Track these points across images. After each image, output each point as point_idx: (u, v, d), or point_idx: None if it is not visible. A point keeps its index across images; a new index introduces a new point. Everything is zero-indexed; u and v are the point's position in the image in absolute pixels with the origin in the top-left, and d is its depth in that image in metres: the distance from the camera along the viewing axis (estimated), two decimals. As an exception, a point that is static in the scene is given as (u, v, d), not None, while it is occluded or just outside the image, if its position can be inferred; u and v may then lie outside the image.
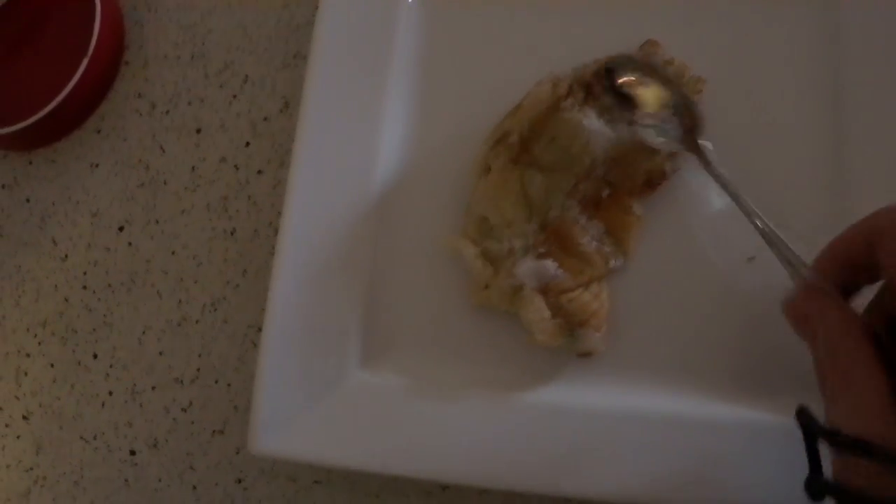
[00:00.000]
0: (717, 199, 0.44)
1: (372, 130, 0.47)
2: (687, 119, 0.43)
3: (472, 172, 0.46)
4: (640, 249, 0.45)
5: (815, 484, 0.32)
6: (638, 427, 0.42)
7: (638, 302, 0.44)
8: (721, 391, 0.43)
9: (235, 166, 0.51)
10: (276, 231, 0.50)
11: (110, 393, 0.51)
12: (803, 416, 0.33)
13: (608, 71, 0.44)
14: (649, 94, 0.44)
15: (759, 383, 0.43)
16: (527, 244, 0.44)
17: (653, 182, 0.44)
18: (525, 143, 0.45)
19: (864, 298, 0.35)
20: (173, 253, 0.51)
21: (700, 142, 0.43)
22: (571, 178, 0.44)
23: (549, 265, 0.43)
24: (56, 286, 0.53)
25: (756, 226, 0.39)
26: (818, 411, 0.33)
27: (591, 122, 0.45)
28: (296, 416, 0.44)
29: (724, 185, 0.40)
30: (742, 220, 0.40)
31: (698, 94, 0.45)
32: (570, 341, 0.43)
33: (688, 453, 0.41)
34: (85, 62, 0.53)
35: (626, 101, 0.44)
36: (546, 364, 0.44)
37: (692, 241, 0.45)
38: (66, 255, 0.53)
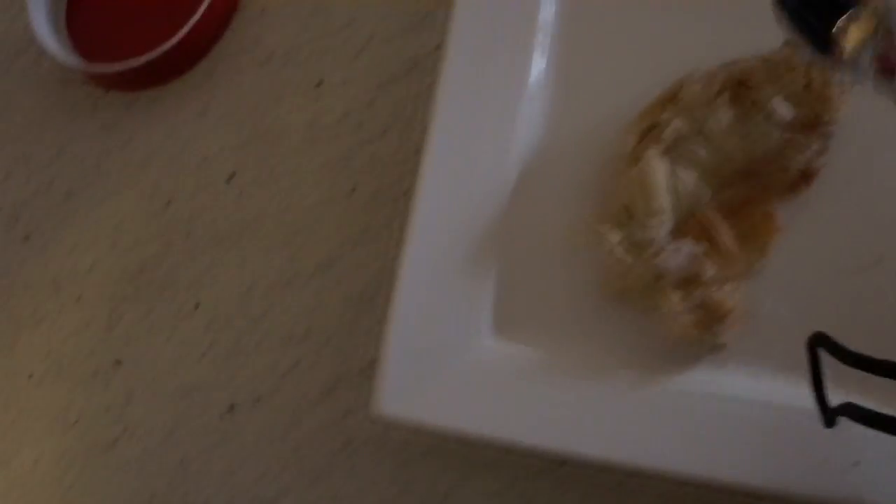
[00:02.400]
0: (851, 201, 0.44)
1: (511, 105, 0.47)
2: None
3: (618, 159, 0.45)
4: (777, 248, 0.44)
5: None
6: (767, 416, 0.42)
7: (770, 300, 0.44)
8: (850, 387, 0.43)
9: (358, 124, 0.50)
10: (398, 193, 0.49)
11: (211, 345, 0.50)
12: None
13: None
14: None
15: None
16: (669, 237, 0.44)
17: (807, 178, 0.44)
18: (677, 137, 0.45)
19: None
20: (287, 207, 0.50)
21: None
22: (719, 177, 0.44)
23: (691, 259, 0.43)
24: (157, 232, 0.52)
25: None
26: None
27: (744, 120, 0.45)
28: (421, 381, 0.44)
29: None
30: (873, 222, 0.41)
31: (843, 101, 0.44)
32: (705, 336, 0.43)
33: (816, 446, 0.41)
34: (203, 5, 0.52)
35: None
36: (676, 350, 0.44)
37: (826, 243, 0.45)
38: (169, 202, 0.52)
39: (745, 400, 0.43)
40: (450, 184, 0.46)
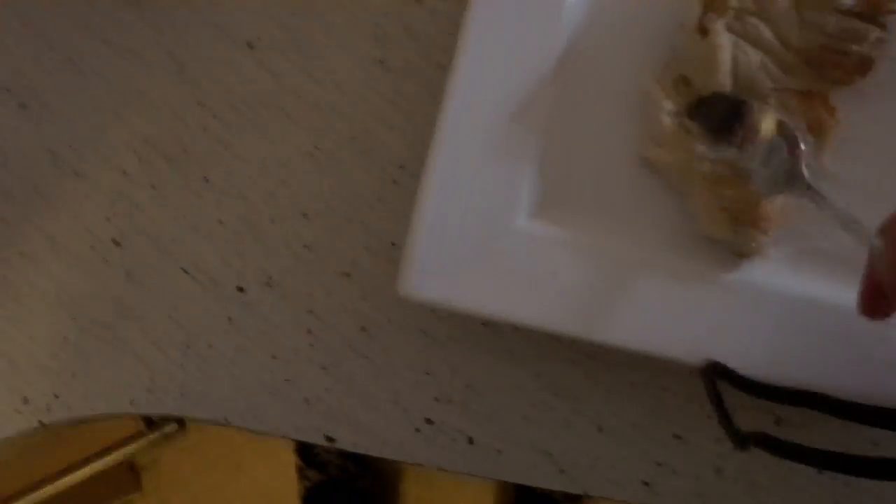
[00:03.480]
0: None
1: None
2: (792, 151, 0.40)
3: (680, 27, 0.43)
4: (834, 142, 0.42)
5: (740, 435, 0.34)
6: (808, 312, 0.40)
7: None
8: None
9: (390, -9, 0.47)
10: (433, 65, 0.46)
11: (220, 221, 0.46)
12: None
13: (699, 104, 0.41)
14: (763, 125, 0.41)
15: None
16: None
17: (863, 68, 0.42)
18: (740, 13, 0.42)
19: None
20: (310, 77, 0.46)
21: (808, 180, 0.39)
22: (781, 65, 0.42)
23: (733, 153, 0.41)
24: (166, 102, 0.48)
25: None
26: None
27: (803, 4, 0.43)
28: (452, 262, 0.41)
29: (843, 223, 0.36)
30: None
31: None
32: (734, 238, 0.40)
33: (856, 343, 0.40)
34: None
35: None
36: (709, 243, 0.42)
37: (882, 137, 0.42)
38: (181, 69, 0.48)
39: (786, 294, 0.41)
40: (492, 55, 0.43)
